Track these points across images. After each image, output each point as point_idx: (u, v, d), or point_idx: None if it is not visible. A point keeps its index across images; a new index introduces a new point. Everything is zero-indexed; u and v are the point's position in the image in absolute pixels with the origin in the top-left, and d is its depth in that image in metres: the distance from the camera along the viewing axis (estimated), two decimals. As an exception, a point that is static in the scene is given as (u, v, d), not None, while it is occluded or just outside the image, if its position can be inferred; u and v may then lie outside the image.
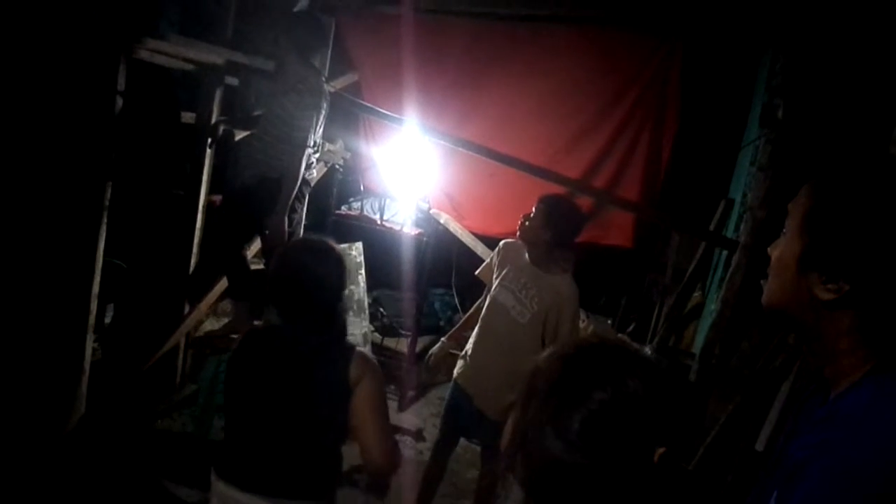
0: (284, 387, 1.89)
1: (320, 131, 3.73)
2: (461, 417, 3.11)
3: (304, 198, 3.89)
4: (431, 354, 3.29)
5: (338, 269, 1.94)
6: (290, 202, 3.62)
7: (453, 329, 3.32)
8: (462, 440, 3.41)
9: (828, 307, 0.94)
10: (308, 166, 3.72)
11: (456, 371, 3.12)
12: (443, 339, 3.31)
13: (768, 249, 1.05)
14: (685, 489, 0.98)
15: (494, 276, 3.07)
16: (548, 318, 2.87)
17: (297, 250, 2.00)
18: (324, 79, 3.79)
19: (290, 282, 1.90)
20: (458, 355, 3.17)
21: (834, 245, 0.93)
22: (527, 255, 2.95)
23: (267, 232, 3.70)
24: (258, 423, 1.92)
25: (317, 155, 3.82)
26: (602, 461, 0.87)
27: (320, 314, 1.91)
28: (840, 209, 0.94)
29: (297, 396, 1.88)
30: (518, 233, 2.96)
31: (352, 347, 1.94)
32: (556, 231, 2.83)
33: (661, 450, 0.89)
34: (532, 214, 2.89)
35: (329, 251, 1.95)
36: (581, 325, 3.54)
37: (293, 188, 3.58)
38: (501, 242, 3.16)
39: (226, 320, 4.41)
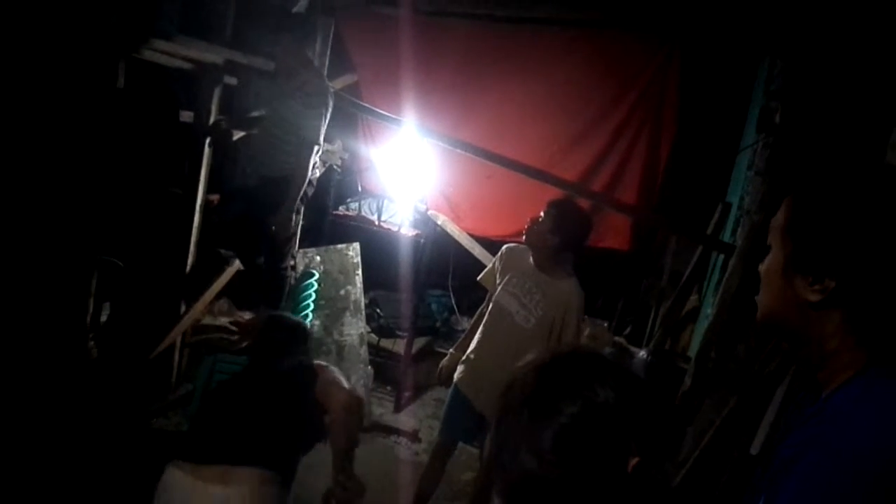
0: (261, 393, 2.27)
1: (323, 131, 3.75)
2: (461, 421, 3.11)
3: (307, 198, 3.90)
4: (442, 367, 3.27)
5: (303, 336, 2.60)
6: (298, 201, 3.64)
7: (460, 340, 3.30)
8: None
9: (816, 308, 0.96)
10: (313, 166, 3.73)
11: (456, 375, 3.11)
12: (451, 350, 3.30)
13: (759, 267, 1.08)
14: (661, 499, 0.99)
15: (497, 281, 3.06)
16: (554, 323, 2.87)
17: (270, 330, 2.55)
18: (329, 88, 3.80)
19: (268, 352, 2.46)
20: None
21: (816, 244, 0.96)
22: (531, 260, 2.94)
23: (273, 229, 3.71)
24: (231, 415, 2.21)
25: (318, 155, 3.83)
26: (576, 473, 0.88)
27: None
28: (819, 209, 0.97)
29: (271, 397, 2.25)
30: (524, 237, 2.94)
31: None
32: (564, 237, 2.83)
33: (636, 460, 0.89)
34: (541, 219, 2.87)
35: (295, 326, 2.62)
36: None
37: (302, 186, 3.59)
38: (504, 247, 3.15)
39: (223, 319, 4.40)
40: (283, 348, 2.43)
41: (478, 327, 3.14)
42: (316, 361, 2.42)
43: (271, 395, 2.23)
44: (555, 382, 0.93)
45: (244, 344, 3.92)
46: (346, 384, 2.29)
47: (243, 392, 2.29)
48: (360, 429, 2.33)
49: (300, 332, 2.60)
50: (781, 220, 1.02)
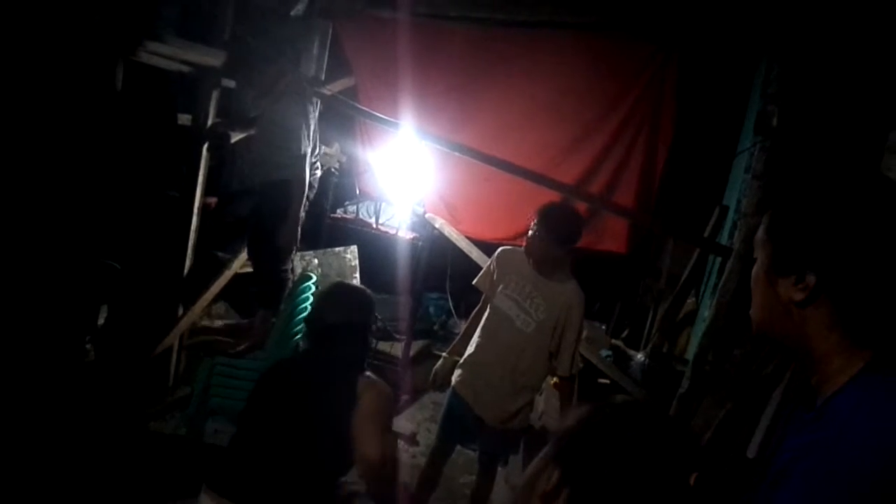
0: (301, 403, 2.04)
1: (316, 135, 3.74)
2: (459, 425, 3.10)
3: (308, 200, 3.90)
4: (436, 372, 3.27)
5: (372, 312, 2.28)
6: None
7: (454, 343, 3.30)
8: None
9: (802, 306, 0.98)
10: (311, 168, 3.74)
11: (454, 378, 3.10)
12: (444, 354, 3.29)
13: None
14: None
15: (493, 285, 3.05)
16: (556, 325, 2.87)
17: (341, 294, 2.30)
18: (305, 81, 3.78)
19: (334, 320, 2.16)
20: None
21: (793, 241, 0.99)
22: (529, 263, 2.93)
23: (279, 241, 3.71)
24: (269, 437, 2.02)
25: (317, 156, 3.83)
26: (641, 487, 0.89)
27: (349, 348, 2.16)
28: (793, 209, 1.01)
29: (311, 412, 2.02)
30: (525, 250, 2.92)
31: (363, 371, 2.13)
32: (558, 239, 2.82)
33: (695, 474, 0.91)
34: (536, 234, 2.86)
35: (368, 297, 2.30)
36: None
37: (301, 196, 3.58)
38: (499, 250, 3.14)
39: (220, 322, 4.40)
40: (336, 338, 2.14)
41: (472, 331, 3.13)
42: (366, 374, 2.12)
43: (304, 425, 2.01)
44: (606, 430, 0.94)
45: (242, 347, 3.92)
46: (378, 427, 2.00)
47: (277, 413, 2.06)
48: (392, 479, 2.06)
49: (368, 306, 2.27)
50: (762, 231, 1.06)
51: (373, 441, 1.94)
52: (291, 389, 2.10)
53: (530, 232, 2.87)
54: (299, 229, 3.69)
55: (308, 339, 2.22)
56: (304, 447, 1.97)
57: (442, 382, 3.21)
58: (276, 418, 2.05)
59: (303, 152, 3.53)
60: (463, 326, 3.32)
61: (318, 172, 3.91)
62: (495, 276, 3.05)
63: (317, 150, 3.80)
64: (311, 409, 2.02)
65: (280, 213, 3.63)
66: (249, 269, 4.15)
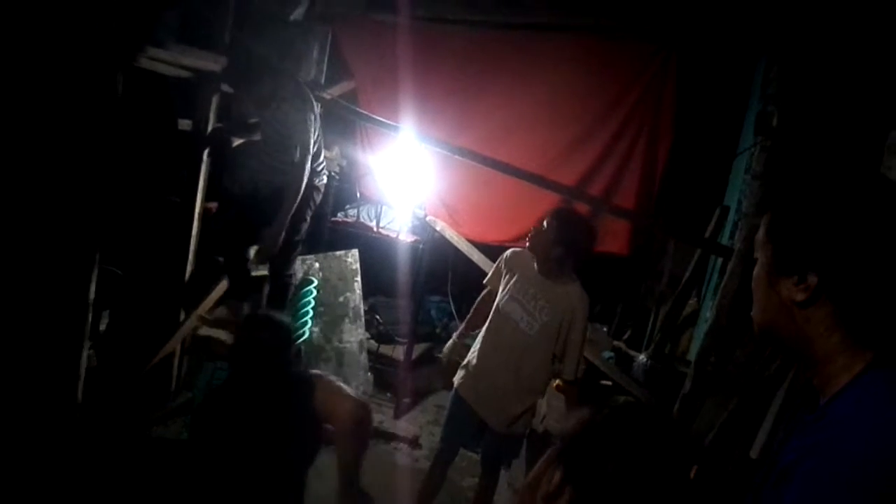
0: (273, 409, 2.13)
1: (321, 141, 3.73)
2: (463, 428, 3.10)
3: (315, 204, 3.89)
4: (444, 355, 3.28)
5: (288, 337, 2.30)
6: (291, 215, 3.62)
7: (462, 326, 3.32)
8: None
9: (803, 306, 0.97)
10: (317, 173, 3.73)
11: (457, 380, 3.10)
12: (454, 337, 3.30)
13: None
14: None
15: (502, 282, 3.06)
16: (560, 328, 2.87)
17: (252, 328, 2.29)
18: (305, 86, 3.77)
19: (251, 355, 2.19)
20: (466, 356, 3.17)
21: (794, 241, 0.98)
22: (535, 265, 2.94)
23: (262, 243, 3.70)
24: (250, 449, 2.10)
25: (320, 163, 3.82)
26: (644, 483, 0.90)
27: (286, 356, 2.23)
28: (794, 208, 1.00)
29: (285, 413, 2.13)
30: (528, 243, 2.94)
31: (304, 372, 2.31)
32: (568, 247, 2.83)
33: (695, 468, 0.92)
34: (543, 228, 2.87)
35: (279, 325, 2.29)
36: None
37: (293, 204, 3.57)
38: (508, 251, 3.15)
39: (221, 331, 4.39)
40: (269, 354, 2.17)
41: (478, 313, 3.17)
42: (312, 371, 2.33)
43: (267, 432, 2.08)
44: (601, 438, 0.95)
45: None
46: (349, 391, 2.20)
47: (236, 430, 2.12)
48: (369, 437, 2.24)
49: (285, 332, 2.29)
50: (762, 231, 1.05)
51: (347, 399, 2.14)
52: (256, 403, 2.16)
53: (538, 231, 2.89)
54: (281, 240, 3.67)
55: (243, 363, 2.25)
56: (286, 446, 2.07)
57: (451, 365, 3.22)
58: (252, 431, 2.11)
59: (300, 160, 3.52)
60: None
61: (325, 178, 3.90)
62: (504, 275, 3.06)
63: (321, 156, 3.79)
64: (284, 410, 2.11)
65: (270, 217, 3.62)
66: (257, 273, 4.15)
